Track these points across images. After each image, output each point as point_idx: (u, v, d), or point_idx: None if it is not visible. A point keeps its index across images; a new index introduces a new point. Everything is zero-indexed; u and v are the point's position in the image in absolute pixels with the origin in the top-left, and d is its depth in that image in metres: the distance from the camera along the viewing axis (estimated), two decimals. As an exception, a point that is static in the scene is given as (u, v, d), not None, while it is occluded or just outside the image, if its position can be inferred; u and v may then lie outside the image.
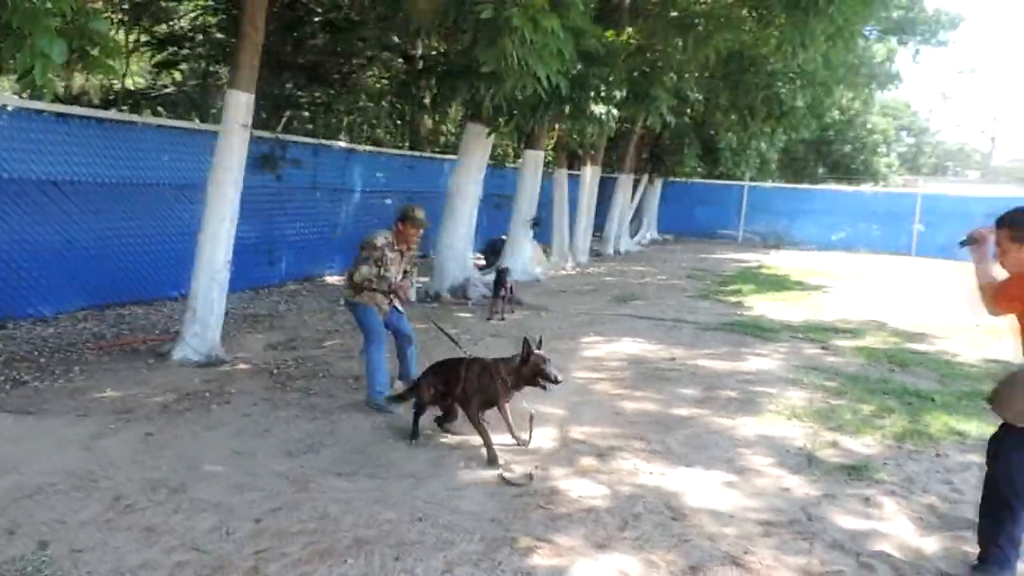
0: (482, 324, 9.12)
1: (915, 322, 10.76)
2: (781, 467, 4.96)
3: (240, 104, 6.63)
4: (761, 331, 9.42)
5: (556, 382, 4.83)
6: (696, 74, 11.62)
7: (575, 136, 14.14)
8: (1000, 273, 3.61)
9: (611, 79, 8.89)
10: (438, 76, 9.53)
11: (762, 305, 11.71)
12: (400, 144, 17.47)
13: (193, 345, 6.83)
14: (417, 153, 15.63)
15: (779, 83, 11.51)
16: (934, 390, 6.95)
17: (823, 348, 8.65)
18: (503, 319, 9.43)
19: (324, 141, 12.07)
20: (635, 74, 9.99)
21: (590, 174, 16.30)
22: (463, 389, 4.95)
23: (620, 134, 16.91)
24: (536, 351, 4.84)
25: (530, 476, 4.61)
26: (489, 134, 9.92)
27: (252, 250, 10.48)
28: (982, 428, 5.80)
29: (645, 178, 20.65)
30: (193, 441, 4.94)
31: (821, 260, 20.08)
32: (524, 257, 13.18)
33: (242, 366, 6.81)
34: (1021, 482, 3.44)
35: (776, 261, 19.23)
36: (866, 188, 26.15)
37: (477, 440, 4.93)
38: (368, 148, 14.17)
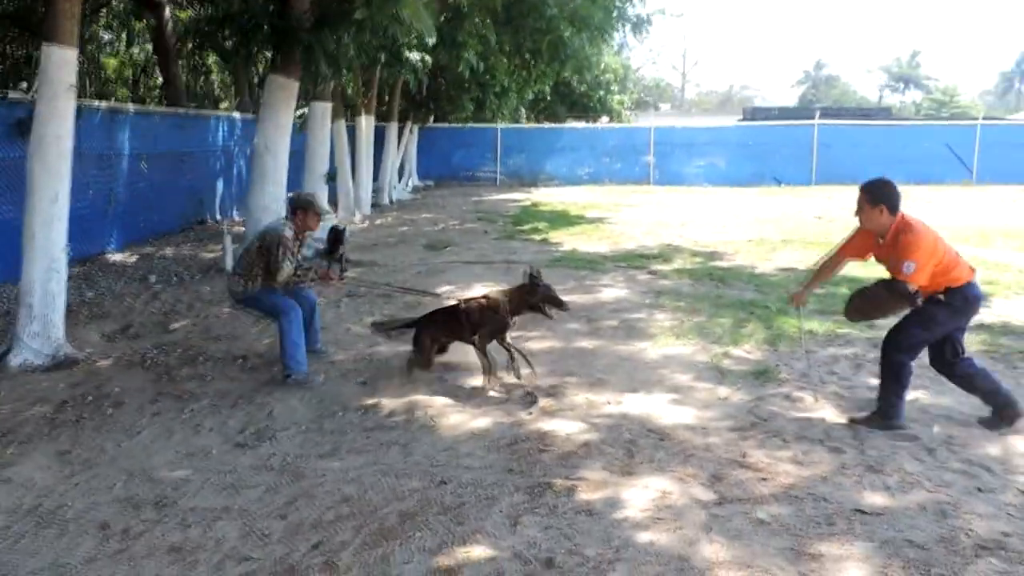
0: (327, 286, 8.74)
1: (699, 242, 12.11)
2: (705, 381, 5.52)
3: (65, 61, 5.67)
4: (588, 264, 10.09)
5: (566, 308, 5.46)
6: (485, 20, 11.78)
7: (353, 86, 13.72)
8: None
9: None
10: (244, 28, 8.70)
11: (567, 240, 12.45)
12: (147, 100, 15.73)
13: (35, 347, 5.89)
14: (183, 110, 14.19)
15: (560, 27, 12.05)
16: (762, 299, 7.99)
17: (651, 274, 9.49)
18: (343, 279, 9.10)
19: (86, 101, 10.56)
20: (443, 20, 9.92)
21: (366, 123, 15.93)
22: (473, 331, 5.36)
23: (383, 81, 16.67)
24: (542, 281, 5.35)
25: (531, 396, 5.12)
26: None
27: (15, 233, 9.00)
28: (823, 326, 6.85)
29: (407, 126, 20.56)
30: (123, 451, 4.38)
31: (580, 194, 21.56)
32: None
33: (102, 362, 6.02)
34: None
35: (543, 198, 20.32)
36: (605, 125, 28.28)
37: (416, 394, 5.15)
38: (134, 107, 12.60)
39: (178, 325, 7.19)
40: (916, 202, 18.47)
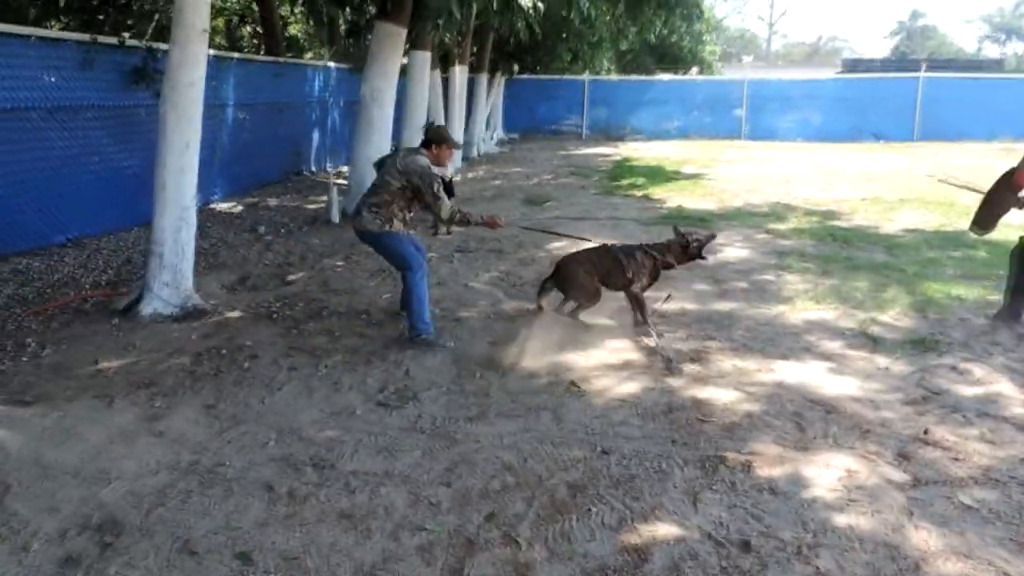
0: (432, 240, 8.60)
1: (809, 200, 11.53)
2: (857, 349, 5.17)
3: (199, 4, 5.54)
4: (700, 222, 9.68)
5: (704, 258, 5.75)
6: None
7: (450, 35, 13.39)
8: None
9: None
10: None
11: (670, 196, 12.03)
12: (247, 48, 15.74)
13: (164, 297, 5.89)
14: (282, 59, 14.14)
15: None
16: (896, 262, 7.50)
17: (768, 233, 9.05)
18: (449, 232, 8.97)
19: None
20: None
21: (459, 74, 15.64)
22: (630, 277, 5.41)
23: (476, 31, 16.29)
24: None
25: (670, 362, 4.87)
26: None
27: (136, 181, 9.09)
28: (971, 291, 6.37)
29: (496, 77, 20.19)
30: (268, 408, 4.30)
31: (670, 149, 20.92)
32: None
33: (230, 314, 5.99)
34: None
35: (633, 153, 19.77)
36: (696, 77, 27.33)
37: (553, 355, 5.00)
38: (237, 55, 12.60)
39: (295, 277, 7.14)
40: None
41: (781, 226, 9.48)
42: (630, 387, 4.54)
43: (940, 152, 19.13)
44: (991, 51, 59.20)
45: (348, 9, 11.35)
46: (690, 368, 4.84)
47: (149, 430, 3.97)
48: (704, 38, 25.63)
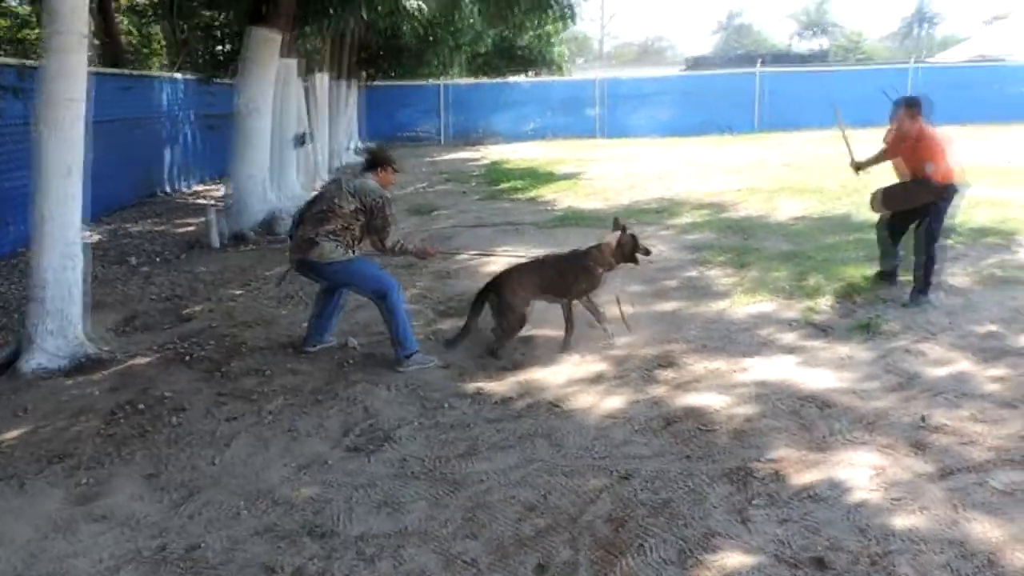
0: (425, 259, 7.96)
1: (693, 193, 11.81)
2: (813, 339, 5.21)
3: (76, 6, 4.78)
4: (598, 221, 9.60)
5: (648, 253, 5.45)
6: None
7: (311, 41, 12.71)
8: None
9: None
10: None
11: (556, 198, 11.96)
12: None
13: (50, 348, 5.07)
14: (128, 72, 12.87)
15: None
16: (802, 250, 7.74)
17: (669, 229, 9.12)
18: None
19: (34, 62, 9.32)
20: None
21: (320, 81, 14.91)
22: (568, 287, 5.08)
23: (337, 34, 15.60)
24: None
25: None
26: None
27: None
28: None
29: (354, 83, 19.48)
30: (222, 469, 3.73)
31: (533, 150, 20.99)
32: (293, 181, 11.77)
33: (135, 361, 5.24)
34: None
35: (500, 156, 19.66)
36: (551, 78, 27.61)
37: (515, 375, 4.71)
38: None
39: (192, 311, 6.39)
40: (863, 144, 18.75)
41: (679, 221, 9.60)
42: (614, 402, 4.30)
43: (784, 141, 20.33)
44: (802, 46, 64.27)
45: (214, 14, 10.40)
46: (664, 374, 4.67)
47: (87, 515, 3.30)
48: (552, 40, 25.98)
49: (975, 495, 3.19)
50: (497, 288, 5.06)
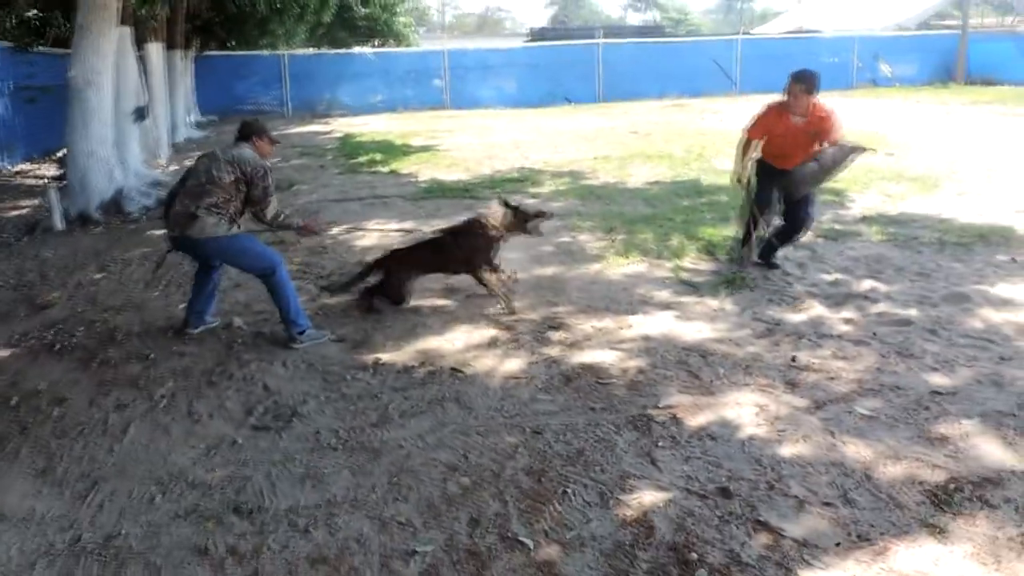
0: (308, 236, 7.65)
1: (549, 162, 12.16)
2: (686, 295, 5.59)
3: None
4: (464, 192, 9.78)
5: (550, 216, 5.72)
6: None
7: (145, 8, 11.92)
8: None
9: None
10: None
11: (418, 170, 11.94)
12: None
13: None
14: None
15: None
16: (662, 212, 8.22)
17: (534, 198, 9.37)
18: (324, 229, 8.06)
19: None
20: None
21: (155, 52, 14.01)
22: (464, 258, 5.15)
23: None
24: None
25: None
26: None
27: None
28: (735, 231, 7.18)
29: (189, 54, 18.38)
30: (123, 458, 3.60)
31: (383, 123, 20.72)
32: (136, 157, 11.09)
33: (0, 353, 4.86)
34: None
35: (350, 129, 19.26)
36: (396, 49, 27.14)
37: (411, 344, 4.78)
38: None
39: (50, 299, 5.96)
40: (702, 113, 19.96)
41: (542, 189, 9.87)
42: (514, 364, 4.46)
43: (627, 111, 21.20)
44: (633, 18, 66.69)
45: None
46: (556, 335, 4.88)
47: None
48: (397, 10, 25.59)
49: (846, 422, 3.61)
50: (382, 267, 5.25)
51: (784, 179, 5.60)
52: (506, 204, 5.41)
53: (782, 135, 5.64)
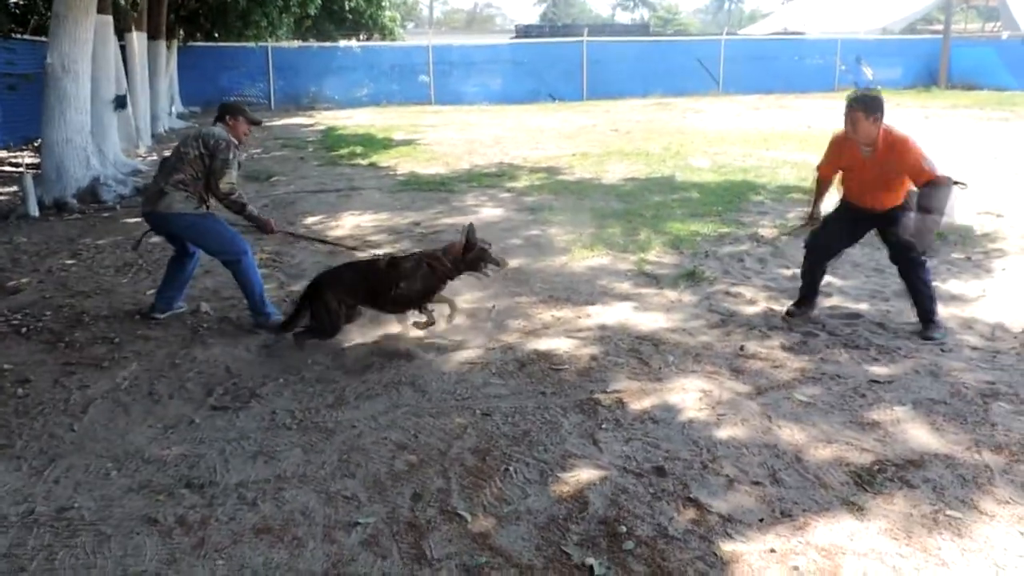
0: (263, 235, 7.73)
1: (528, 159, 12.28)
2: (646, 287, 5.72)
3: None
4: (441, 186, 9.87)
5: (504, 265, 4.87)
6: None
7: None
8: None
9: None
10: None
11: (396, 164, 12.04)
12: None
13: None
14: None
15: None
16: (633, 208, 8.35)
17: (509, 192, 9.50)
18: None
19: None
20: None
21: (138, 41, 14.02)
22: (399, 292, 4.51)
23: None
24: (477, 239, 4.61)
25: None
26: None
27: None
28: (704, 227, 7.34)
29: (172, 44, 18.37)
30: (82, 435, 3.69)
31: (367, 116, 20.77)
32: (115, 146, 11.13)
33: (-40, 338, 4.93)
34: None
35: (334, 122, 19.32)
36: (382, 43, 27.17)
37: (368, 336, 4.75)
38: None
39: (20, 284, 6.02)
40: (684, 112, 20.12)
41: (517, 184, 9.99)
42: (470, 350, 4.57)
43: (610, 109, 21.34)
44: (622, 17, 66.92)
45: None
46: (515, 324, 5.00)
47: None
48: (383, 4, 25.62)
49: (783, 407, 3.75)
50: (316, 289, 4.56)
51: (885, 231, 4.68)
52: (467, 234, 4.59)
53: (850, 169, 4.68)
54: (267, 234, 5.15)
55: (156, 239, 5.82)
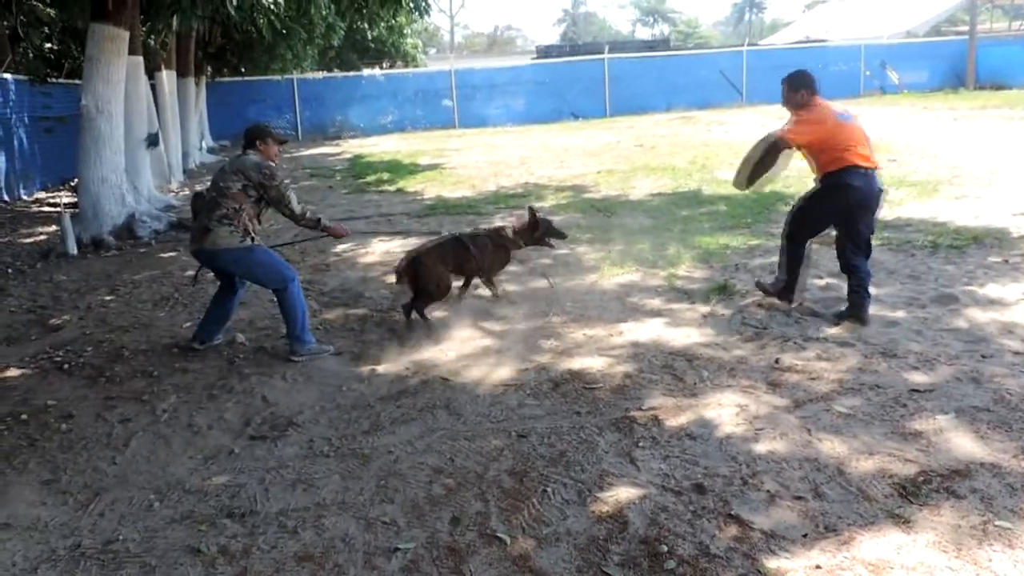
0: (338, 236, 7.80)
1: (554, 178, 12.32)
2: (677, 302, 5.69)
3: None
4: (469, 208, 9.94)
5: (565, 237, 6.07)
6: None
7: (156, 35, 12.25)
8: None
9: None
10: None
11: (423, 188, 12.14)
12: None
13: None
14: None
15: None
16: (661, 223, 8.33)
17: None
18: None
19: None
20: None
21: (167, 79, 14.35)
22: (481, 264, 5.55)
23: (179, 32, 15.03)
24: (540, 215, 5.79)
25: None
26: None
27: None
28: (733, 239, 7.30)
29: (201, 80, 18.77)
30: (125, 468, 3.75)
31: (393, 143, 21.01)
32: (149, 182, 11.37)
33: (10, 373, 5.06)
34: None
35: (360, 150, 19.57)
36: (405, 70, 27.53)
37: (405, 356, 4.93)
38: None
39: (61, 321, 6.16)
40: (708, 125, 20.06)
41: (544, 203, 10.02)
42: (504, 371, 4.58)
43: (634, 125, 21.36)
44: (643, 32, 67.11)
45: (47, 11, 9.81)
46: (547, 344, 4.99)
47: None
48: (405, 31, 25.96)
49: (823, 420, 3.70)
50: (414, 267, 5.35)
51: None
52: (533, 213, 5.79)
53: None
54: (339, 238, 5.43)
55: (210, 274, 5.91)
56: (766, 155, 4.98)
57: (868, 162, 4.77)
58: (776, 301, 5.30)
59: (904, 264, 6.23)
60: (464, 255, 5.49)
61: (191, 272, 5.40)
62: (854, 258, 4.89)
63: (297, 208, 4.82)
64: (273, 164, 4.86)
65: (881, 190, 4.88)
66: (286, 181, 4.87)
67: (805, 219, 5.05)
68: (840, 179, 4.75)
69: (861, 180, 4.74)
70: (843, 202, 4.82)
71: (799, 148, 4.88)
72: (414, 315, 5.42)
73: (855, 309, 4.90)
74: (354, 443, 3.81)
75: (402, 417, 4.07)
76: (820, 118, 4.81)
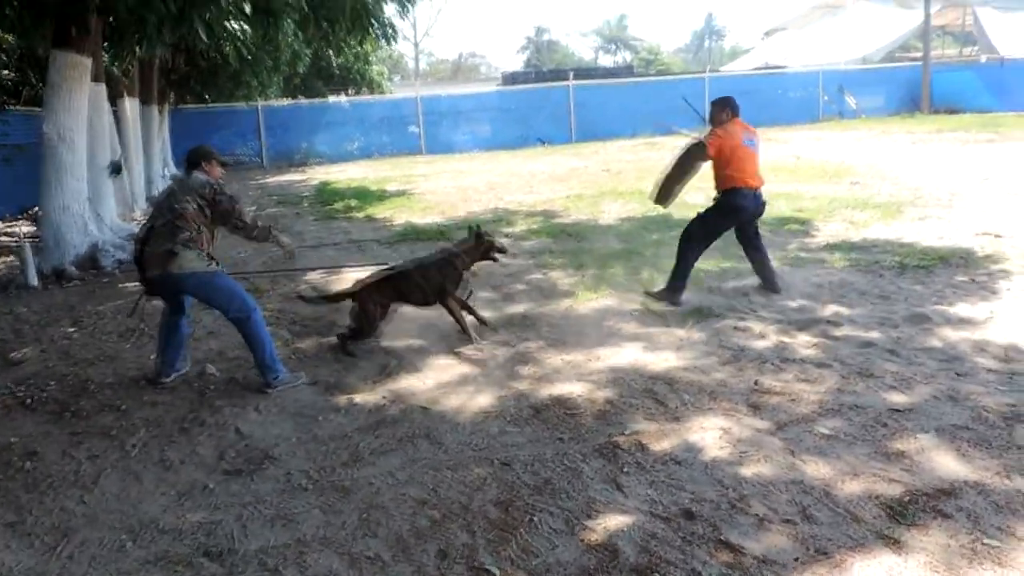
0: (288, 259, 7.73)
1: (523, 203, 12.33)
2: (653, 326, 5.69)
3: None
4: (439, 235, 9.89)
5: (506, 251, 6.02)
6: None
7: (120, 62, 12.10)
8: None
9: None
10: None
11: (392, 215, 12.07)
12: None
13: None
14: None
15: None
16: (633, 248, 8.36)
17: (507, 237, 9.51)
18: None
19: None
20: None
21: (130, 107, 14.15)
22: (430, 290, 5.41)
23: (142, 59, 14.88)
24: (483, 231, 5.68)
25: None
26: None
27: None
28: (707, 264, 7.32)
29: (164, 108, 18.56)
30: (94, 507, 3.61)
31: (359, 170, 20.91)
32: (112, 211, 11.15)
33: (-33, 411, 4.86)
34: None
35: (327, 177, 19.43)
36: (370, 97, 27.50)
37: (383, 385, 4.84)
38: None
39: (22, 355, 5.96)
40: (673, 150, 20.25)
41: (515, 229, 10.01)
42: (484, 399, 4.52)
43: (599, 151, 21.54)
44: (605, 60, 68.04)
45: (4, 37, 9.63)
46: (526, 370, 4.95)
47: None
48: (370, 59, 25.98)
49: (806, 441, 3.70)
50: (358, 295, 5.39)
51: None
52: (477, 231, 5.72)
53: None
54: (291, 257, 5.45)
55: (157, 302, 5.77)
56: (693, 160, 6.07)
57: (755, 182, 5.91)
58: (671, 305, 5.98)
59: (874, 284, 6.31)
60: (404, 286, 5.44)
61: (158, 303, 5.27)
62: (751, 244, 6.24)
63: (248, 219, 4.81)
64: (220, 182, 4.79)
65: (764, 203, 6.08)
66: (236, 196, 4.83)
67: (705, 226, 6.12)
68: (733, 199, 5.92)
69: (750, 201, 5.94)
70: (735, 219, 6.09)
71: (710, 158, 5.86)
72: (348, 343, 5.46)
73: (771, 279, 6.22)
74: (333, 475, 3.72)
75: (381, 448, 3.99)
76: (731, 134, 5.84)
